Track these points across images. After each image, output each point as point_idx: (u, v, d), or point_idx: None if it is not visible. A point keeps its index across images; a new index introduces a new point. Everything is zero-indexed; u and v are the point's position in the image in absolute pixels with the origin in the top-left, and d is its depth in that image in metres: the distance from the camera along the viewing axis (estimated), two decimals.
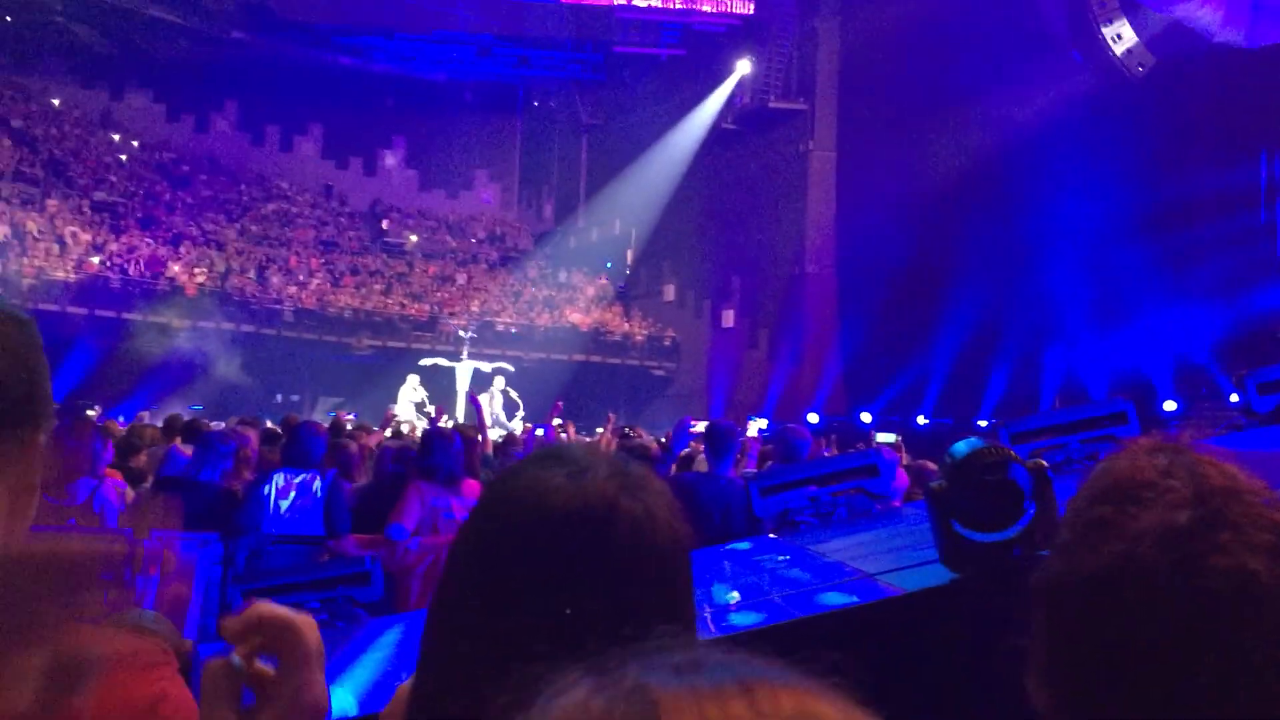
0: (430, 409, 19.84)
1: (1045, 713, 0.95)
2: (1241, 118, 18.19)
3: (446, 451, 5.69)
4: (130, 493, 6.44)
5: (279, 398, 24.02)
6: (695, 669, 0.51)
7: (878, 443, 13.63)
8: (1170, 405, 16.53)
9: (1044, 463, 2.56)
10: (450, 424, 14.25)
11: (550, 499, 1.02)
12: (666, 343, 30.23)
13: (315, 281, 28.58)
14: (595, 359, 28.81)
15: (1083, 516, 0.97)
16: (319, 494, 5.49)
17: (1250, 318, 17.24)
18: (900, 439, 13.31)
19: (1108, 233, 18.72)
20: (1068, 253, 19.52)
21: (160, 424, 9.73)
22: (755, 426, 17.60)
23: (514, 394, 20.53)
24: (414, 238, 33.21)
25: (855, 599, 2.76)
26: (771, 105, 27.50)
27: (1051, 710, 0.94)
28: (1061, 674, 0.94)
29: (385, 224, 33.47)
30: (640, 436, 11.79)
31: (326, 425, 8.36)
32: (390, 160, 35.76)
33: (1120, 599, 0.90)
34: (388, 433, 13.51)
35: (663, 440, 9.68)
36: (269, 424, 10.73)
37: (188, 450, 6.56)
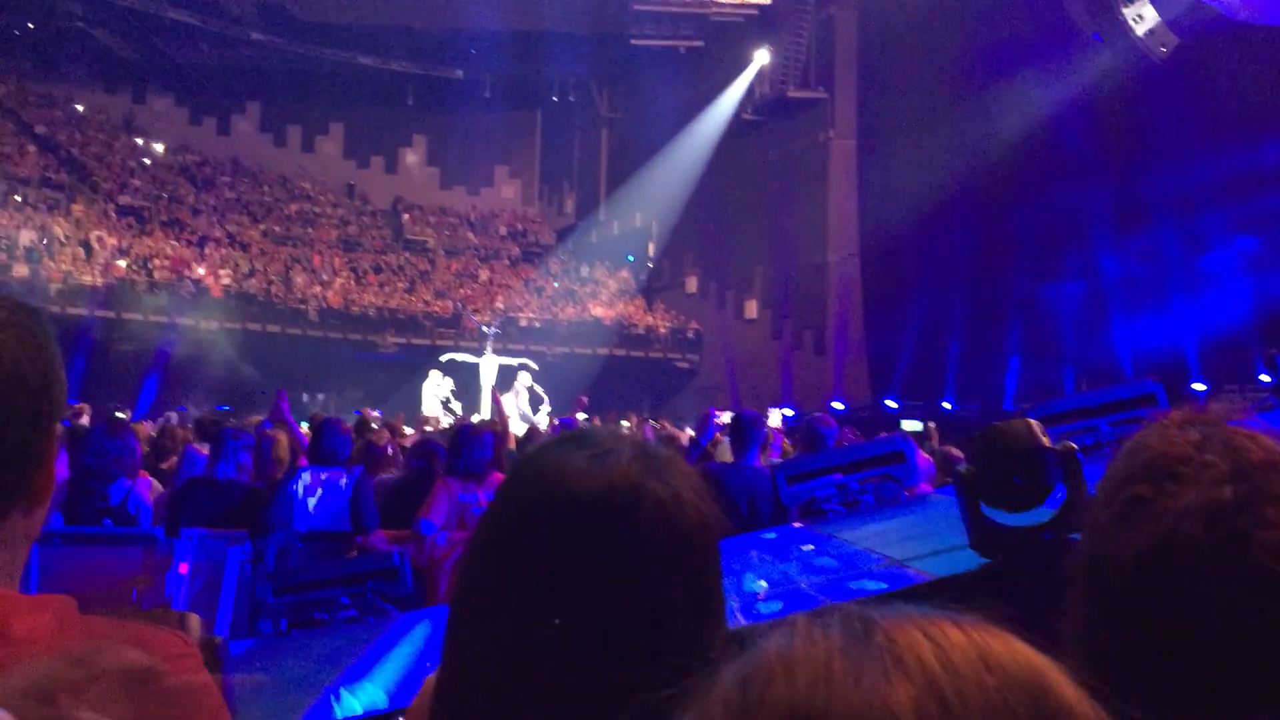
0: (456, 405, 19.94)
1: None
2: (1267, 96, 17.97)
3: (476, 447, 5.71)
4: (158, 487, 6.51)
5: (305, 397, 24.15)
6: (910, 610, 0.56)
7: (902, 429, 13.56)
8: (1199, 387, 16.39)
9: (1073, 445, 2.53)
10: (476, 420, 14.28)
11: (573, 481, 0.99)
12: (690, 335, 30.20)
13: (339, 280, 28.72)
14: (619, 352, 28.81)
15: (1119, 495, 0.95)
16: (346, 490, 5.52)
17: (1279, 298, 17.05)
18: (933, 425, 13.23)
19: (1133, 214, 18.56)
20: (1093, 235, 19.37)
21: (191, 426, 9.82)
22: (777, 416, 17.55)
23: (539, 389, 20.57)
24: (435, 235, 33.33)
25: (884, 586, 2.75)
26: (791, 95, 27.38)
27: (1092, 694, 0.92)
28: (1102, 657, 0.92)
29: (408, 221, 33.61)
30: (665, 429, 11.79)
31: (352, 423, 8.40)
32: (411, 158, 35.87)
33: (1164, 578, 0.89)
34: (428, 428, 13.55)
35: (691, 432, 9.66)
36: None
37: (205, 449, 6.61)
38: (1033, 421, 2.74)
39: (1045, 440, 2.53)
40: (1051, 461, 2.39)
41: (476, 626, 1.01)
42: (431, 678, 1.08)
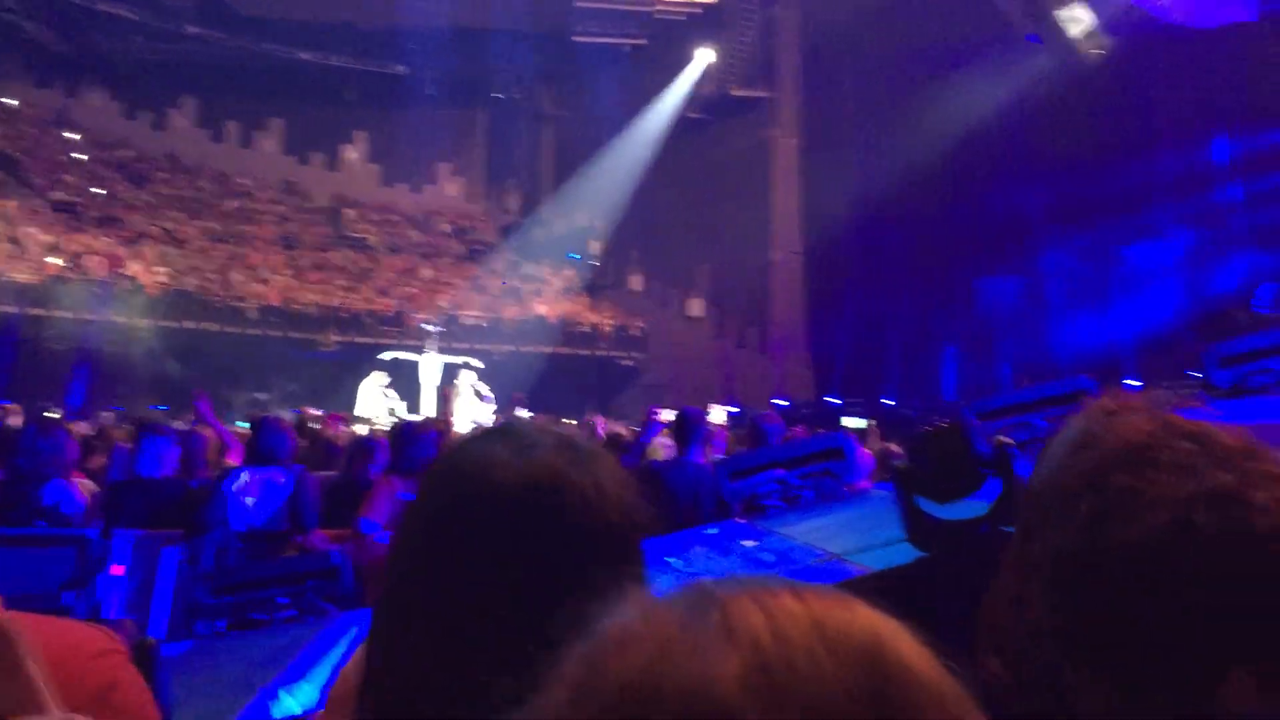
0: (400, 406, 19.78)
1: (1056, 690, 0.94)
2: (1197, 98, 18.39)
3: (419, 445, 5.68)
4: (91, 486, 6.40)
5: (245, 396, 23.82)
6: (748, 579, 0.58)
7: (844, 426, 13.69)
8: (1133, 383, 16.71)
9: (1008, 440, 2.58)
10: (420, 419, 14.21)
11: (497, 473, 0.99)
12: (634, 333, 30.19)
13: (279, 278, 28.35)
14: (563, 351, 28.73)
15: (1098, 484, 0.95)
16: (285, 489, 5.47)
17: (1212, 296, 17.45)
18: (874, 422, 13.36)
19: (1071, 212, 18.90)
20: (1032, 233, 19.69)
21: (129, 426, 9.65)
22: (720, 413, 17.60)
23: (484, 388, 20.45)
24: (377, 232, 33.02)
25: (823, 580, 2.78)
26: (734, 93, 27.52)
27: (1075, 687, 0.93)
28: (1092, 646, 0.93)
29: (350, 218, 33.26)
30: (610, 426, 11.78)
31: (292, 422, 8.31)
32: (352, 155, 35.48)
33: (1173, 567, 0.90)
34: (357, 428, 13.47)
35: (637, 430, 9.68)
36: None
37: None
38: (968, 417, 2.79)
39: (981, 435, 2.57)
40: (986, 457, 2.44)
41: (404, 621, 1.00)
42: (348, 668, 1.07)
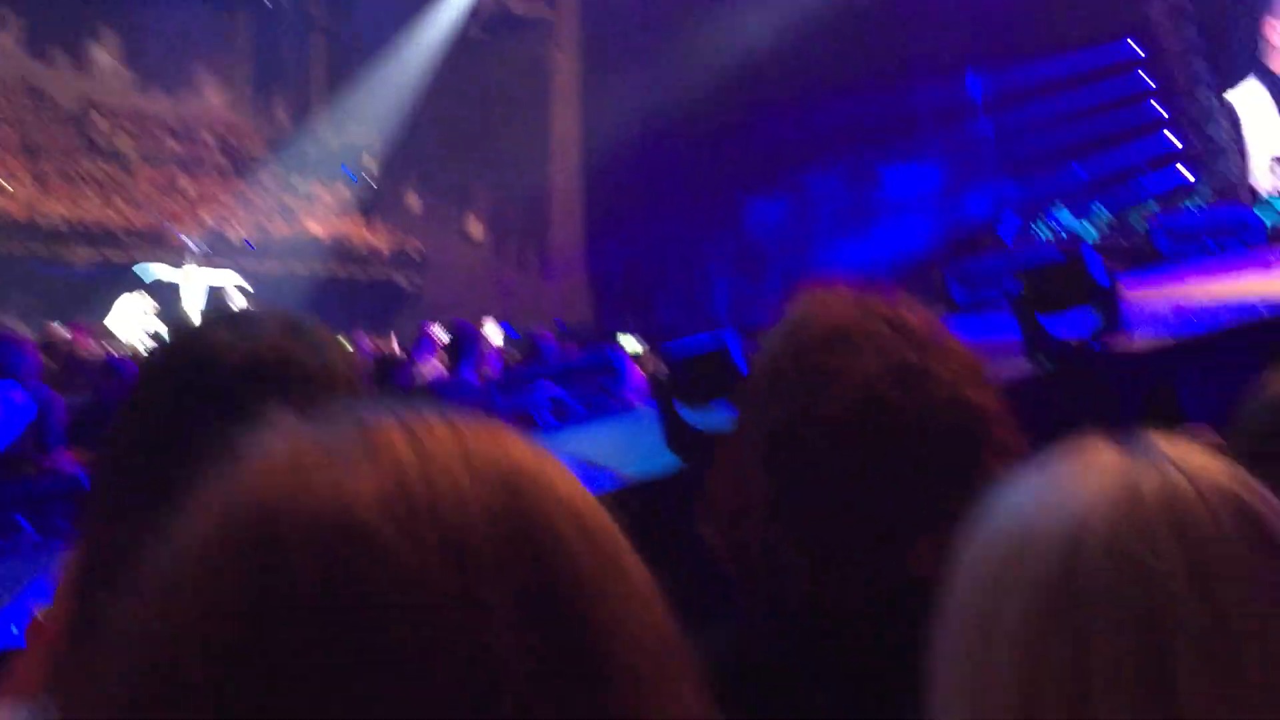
0: (161, 327, 18.79)
1: (767, 560, 1.00)
2: (956, 33, 19.35)
3: None
4: None
5: None
6: (401, 409, 0.56)
7: (617, 344, 13.93)
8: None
9: None
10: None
11: (218, 356, 0.95)
12: (412, 254, 29.55)
13: (19, 188, 26.20)
14: (340, 272, 27.88)
15: (803, 365, 1.01)
16: (26, 409, 5.13)
17: (962, 222, 18.62)
18: (648, 347, 13.63)
19: (837, 138, 19.63)
20: (800, 158, 20.37)
21: None
22: (495, 331, 17.56)
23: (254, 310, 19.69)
24: (131, 141, 30.89)
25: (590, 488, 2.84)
26: (515, 11, 27.06)
27: (783, 558, 0.99)
28: (799, 518, 0.98)
29: (100, 125, 30.96)
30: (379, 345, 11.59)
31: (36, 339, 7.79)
32: (102, 56, 32.90)
33: (865, 440, 0.96)
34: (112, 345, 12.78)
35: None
36: None
37: None
38: (727, 332, 2.89)
39: (741, 350, 2.68)
40: (738, 358, 2.54)
41: (124, 519, 0.96)
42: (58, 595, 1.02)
